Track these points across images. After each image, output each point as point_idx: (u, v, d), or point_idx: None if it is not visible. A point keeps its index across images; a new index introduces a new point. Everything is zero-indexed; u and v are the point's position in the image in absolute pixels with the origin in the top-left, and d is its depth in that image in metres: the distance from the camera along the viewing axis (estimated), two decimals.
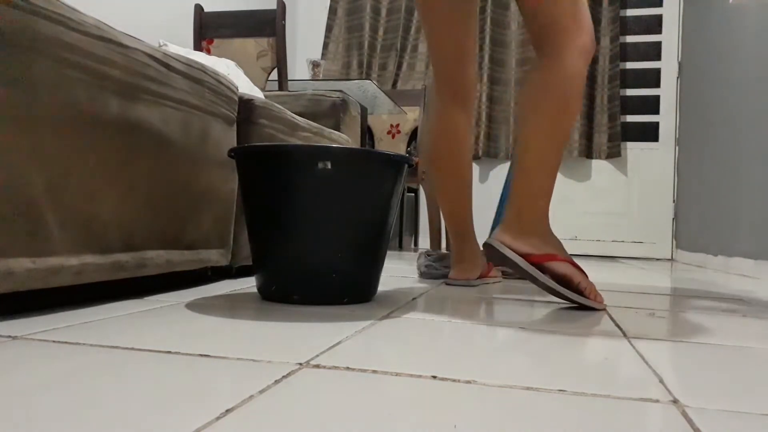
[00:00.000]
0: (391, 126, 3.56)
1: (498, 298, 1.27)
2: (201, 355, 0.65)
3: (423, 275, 1.67)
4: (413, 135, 3.50)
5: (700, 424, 0.49)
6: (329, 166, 1.03)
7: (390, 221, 1.14)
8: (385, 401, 0.52)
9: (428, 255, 1.68)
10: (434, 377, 0.60)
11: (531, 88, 1.22)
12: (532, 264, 1.14)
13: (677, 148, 3.64)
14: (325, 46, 4.04)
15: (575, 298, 1.15)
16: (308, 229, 1.05)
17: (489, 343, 0.80)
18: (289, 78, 3.00)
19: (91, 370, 0.58)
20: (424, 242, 3.78)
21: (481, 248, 1.26)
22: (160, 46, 2.07)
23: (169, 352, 0.67)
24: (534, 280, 1.14)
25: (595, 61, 3.64)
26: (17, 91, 0.80)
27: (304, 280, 1.07)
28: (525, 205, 1.19)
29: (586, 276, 1.17)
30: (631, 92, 3.72)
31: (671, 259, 3.56)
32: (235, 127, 1.42)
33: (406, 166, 1.16)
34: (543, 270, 1.14)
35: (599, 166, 3.71)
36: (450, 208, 1.47)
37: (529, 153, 1.19)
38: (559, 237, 3.74)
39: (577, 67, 1.19)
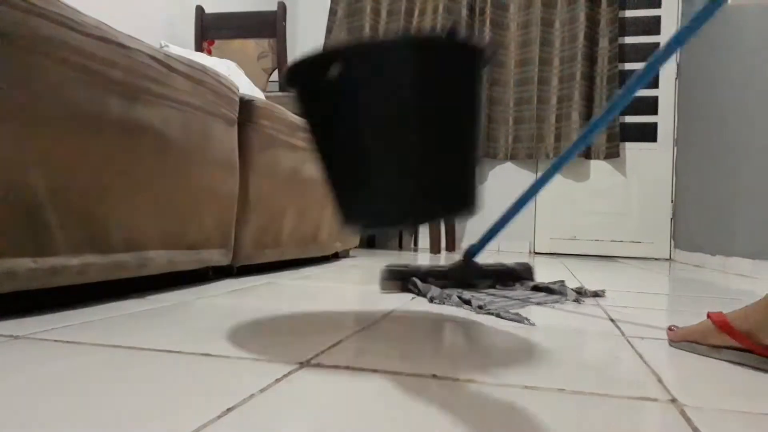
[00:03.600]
0: None
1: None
2: (202, 354, 0.66)
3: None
4: None
5: (698, 423, 0.49)
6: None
7: (479, 118, 0.84)
8: (385, 401, 0.52)
9: None
10: (434, 377, 0.61)
11: None
12: None
13: (675, 148, 3.65)
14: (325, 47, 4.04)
15: None
16: (398, 141, 0.77)
17: (489, 342, 0.80)
18: None
19: (92, 370, 0.58)
20: (425, 242, 3.79)
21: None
22: (161, 47, 2.07)
23: (171, 351, 0.67)
24: None
25: (594, 62, 3.64)
26: (18, 91, 0.81)
27: (401, 196, 0.80)
28: None
29: None
30: None
31: (669, 259, 3.56)
32: (236, 127, 1.42)
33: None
34: None
35: (598, 166, 3.71)
36: None
37: None
38: (558, 237, 3.75)
39: None
